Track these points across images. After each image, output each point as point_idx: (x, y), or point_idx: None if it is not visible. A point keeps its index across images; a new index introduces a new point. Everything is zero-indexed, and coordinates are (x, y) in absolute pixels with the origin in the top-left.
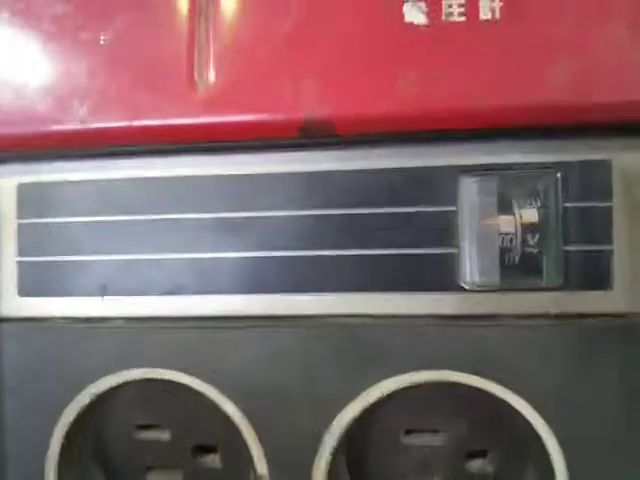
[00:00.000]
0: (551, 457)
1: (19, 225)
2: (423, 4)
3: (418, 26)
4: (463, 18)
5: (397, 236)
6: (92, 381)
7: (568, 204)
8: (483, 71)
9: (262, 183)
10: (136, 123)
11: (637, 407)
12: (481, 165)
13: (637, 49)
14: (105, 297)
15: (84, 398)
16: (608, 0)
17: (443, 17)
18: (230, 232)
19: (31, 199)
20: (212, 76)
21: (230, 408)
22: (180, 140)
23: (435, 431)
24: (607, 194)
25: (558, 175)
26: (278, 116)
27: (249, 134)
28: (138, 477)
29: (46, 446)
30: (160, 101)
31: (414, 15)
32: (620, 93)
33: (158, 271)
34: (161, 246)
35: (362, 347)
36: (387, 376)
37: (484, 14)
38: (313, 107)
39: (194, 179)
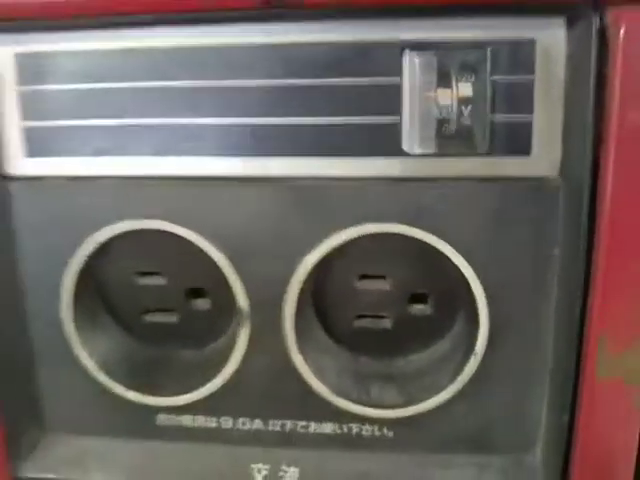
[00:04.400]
0: (477, 301)
1: (20, 92)
2: None
3: None
4: None
5: (346, 105)
6: (93, 232)
7: (497, 78)
8: None
9: (227, 54)
10: None
11: (549, 258)
12: (423, 41)
13: None
14: (100, 157)
15: (88, 247)
16: None
17: None
18: (200, 99)
19: (29, 68)
20: None
21: (216, 255)
22: (151, 11)
23: (383, 277)
24: (530, 69)
25: (488, 52)
26: None
27: (219, 4)
28: (139, 318)
29: (59, 295)
30: None
31: None
32: None
33: (145, 134)
34: (146, 112)
35: (318, 205)
36: (340, 229)
37: None
38: None
39: (171, 50)
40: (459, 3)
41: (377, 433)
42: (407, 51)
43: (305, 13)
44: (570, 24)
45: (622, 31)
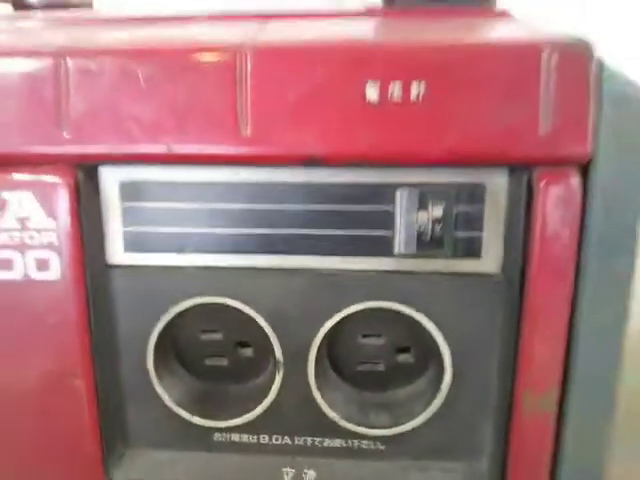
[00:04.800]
0: (442, 354)
1: (123, 207)
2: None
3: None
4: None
5: (355, 222)
6: (173, 305)
7: (459, 206)
8: (410, 133)
9: (279, 189)
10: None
11: (495, 329)
12: (410, 183)
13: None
14: (184, 254)
15: (168, 316)
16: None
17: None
18: (257, 218)
19: (131, 191)
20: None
21: (260, 320)
22: (227, 161)
23: (379, 335)
24: (481, 202)
25: (454, 190)
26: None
27: (269, 160)
28: (200, 363)
29: (145, 351)
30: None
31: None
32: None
33: (217, 239)
34: (221, 224)
35: (335, 287)
36: (349, 304)
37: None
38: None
39: (241, 185)
40: (435, 161)
41: (373, 447)
42: (399, 189)
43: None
44: (511, 173)
45: (542, 184)
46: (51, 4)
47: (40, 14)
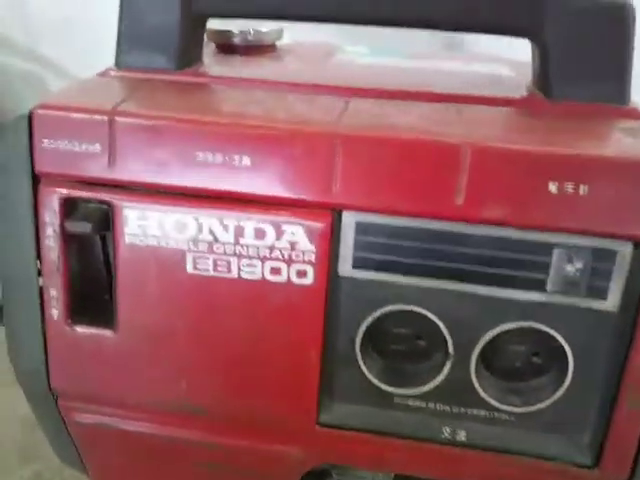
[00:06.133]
0: (569, 359)
1: (355, 239)
2: None
3: None
4: None
5: (519, 265)
6: (380, 308)
7: (596, 264)
8: (575, 215)
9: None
10: None
11: (617, 351)
12: (564, 244)
13: None
14: (395, 275)
15: (375, 315)
16: None
17: None
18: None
19: (362, 229)
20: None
21: (441, 325)
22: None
23: (522, 344)
24: (611, 263)
25: (593, 253)
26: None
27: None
28: (389, 348)
29: (355, 337)
30: None
31: None
32: None
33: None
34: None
35: (496, 309)
36: (507, 322)
37: None
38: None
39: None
40: (584, 234)
41: (507, 418)
42: (556, 247)
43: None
44: (635, 247)
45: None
46: (250, 44)
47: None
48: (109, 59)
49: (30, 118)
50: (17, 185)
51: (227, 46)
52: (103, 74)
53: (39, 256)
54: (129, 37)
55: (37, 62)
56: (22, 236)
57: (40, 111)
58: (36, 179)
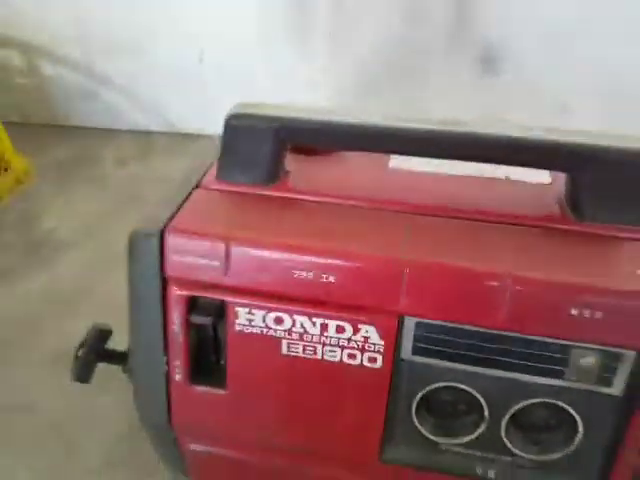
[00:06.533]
0: (578, 428)
1: (414, 341)
2: None
3: None
4: None
5: (550, 361)
6: (437, 383)
7: (606, 364)
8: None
9: None
10: None
11: (619, 423)
12: (584, 347)
13: None
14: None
15: (432, 386)
16: None
17: None
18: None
19: (423, 340)
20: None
21: (480, 398)
22: None
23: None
24: (615, 367)
25: (605, 356)
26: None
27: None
28: (436, 408)
29: (411, 403)
30: None
31: None
32: None
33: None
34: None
35: (524, 390)
36: (530, 399)
37: None
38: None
39: None
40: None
41: (528, 464)
42: (574, 349)
43: None
44: (637, 357)
45: None
46: None
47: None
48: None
49: (161, 237)
50: (150, 286)
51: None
52: (207, 186)
53: (165, 338)
54: (229, 157)
55: (92, 78)
56: (153, 323)
57: (171, 236)
58: (165, 281)
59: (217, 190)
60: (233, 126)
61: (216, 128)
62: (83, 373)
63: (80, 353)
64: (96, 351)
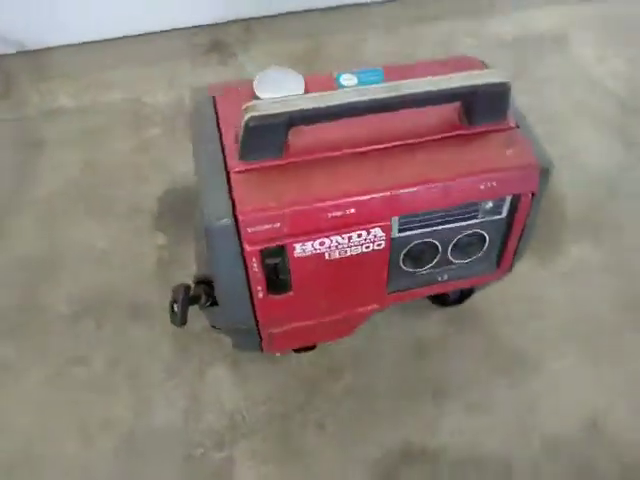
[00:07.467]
0: None
1: None
2: None
3: None
4: None
5: None
6: (407, 245)
7: None
8: None
9: None
10: None
11: None
12: None
13: None
14: None
15: (405, 250)
16: None
17: None
18: None
19: None
20: None
21: (436, 242)
22: None
23: None
24: None
25: None
26: None
27: None
28: (413, 256)
29: (399, 260)
30: None
31: None
32: None
33: None
34: None
35: None
36: None
37: None
38: None
39: None
40: None
41: (461, 265)
42: None
43: None
44: None
45: None
46: None
47: None
48: None
49: (235, 221)
50: (233, 250)
51: None
52: (235, 169)
53: (247, 276)
54: (250, 144)
55: None
56: (237, 270)
57: (242, 216)
58: (241, 244)
59: (245, 171)
60: (251, 127)
61: None
62: (182, 319)
63: (175, 307)
64: (185, 303)
